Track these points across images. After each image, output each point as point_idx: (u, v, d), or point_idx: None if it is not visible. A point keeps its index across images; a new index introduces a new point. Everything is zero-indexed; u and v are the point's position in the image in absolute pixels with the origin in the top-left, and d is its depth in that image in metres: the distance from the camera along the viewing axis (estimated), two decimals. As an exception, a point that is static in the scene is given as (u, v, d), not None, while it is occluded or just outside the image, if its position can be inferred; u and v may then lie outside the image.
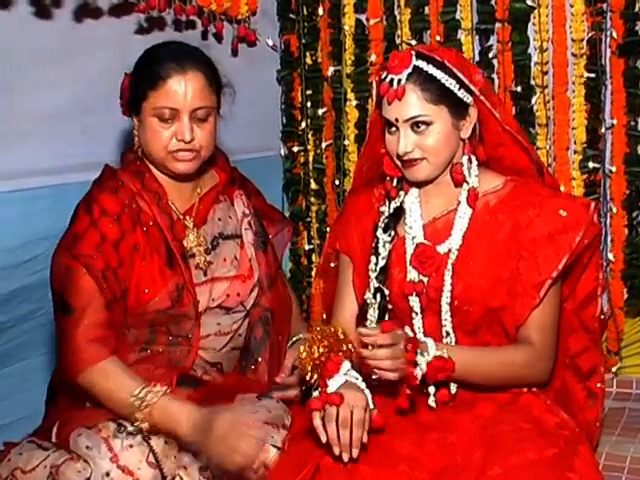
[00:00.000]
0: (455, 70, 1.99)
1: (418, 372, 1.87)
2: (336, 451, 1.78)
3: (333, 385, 1.83)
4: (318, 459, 1.83)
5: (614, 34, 2.70)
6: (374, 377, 1.88)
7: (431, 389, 2.00)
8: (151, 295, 2.07)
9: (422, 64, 1.98)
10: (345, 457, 1.78)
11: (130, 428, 1.91)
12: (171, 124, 2.04)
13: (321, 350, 1.86)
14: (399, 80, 1.98)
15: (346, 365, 1.86)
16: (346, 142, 3.11)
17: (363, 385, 1.85)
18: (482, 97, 2.02)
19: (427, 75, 1.97)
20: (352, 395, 1.81)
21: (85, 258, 1.99)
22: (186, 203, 2.20)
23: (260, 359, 2.23)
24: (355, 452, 1.78)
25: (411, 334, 1.93)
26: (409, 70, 1.97)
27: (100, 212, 2.04)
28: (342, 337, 1.90)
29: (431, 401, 2.01)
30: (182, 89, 2.03)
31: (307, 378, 1.88)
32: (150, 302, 2.06)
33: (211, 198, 2.23)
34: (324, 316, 2.44)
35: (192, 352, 2.13)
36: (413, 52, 2.01)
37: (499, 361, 2.01)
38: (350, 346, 1.89)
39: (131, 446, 1.88)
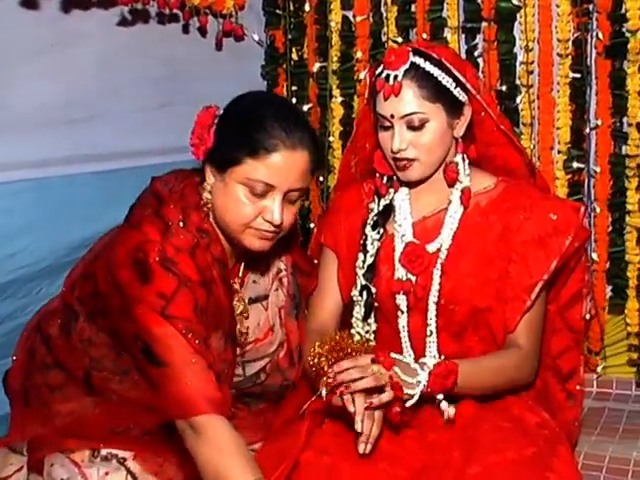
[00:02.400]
0: (452, 68, 1.97)
1: (419, 387, 1.83)
2: (359, 427, 1.75)
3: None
4: (296, 455, 1.82)
5: (600, 35, 2.70)
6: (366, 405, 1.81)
7: (444, 404, 1.88)
8: None
9: (419, 61, 1.96)
10: (362, 448, 1.77)
11: (104, 452, 1.83)
12: (260, 199, 1.81)
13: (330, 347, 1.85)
14: (395, 76, 1.95)
15: None
16: (331, 138, 3.11)
17: None
18: (478, 96, 2.02)
19: (424, 72, 1.96)
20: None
21: (183, 322, 1.73)
22: (231, 262, 1.98)
23: (253, 406, 2.06)
24: (369, 447, 1.78)
25: (399, 357, 1.88)
26: (406, 66, 1.95)
27: (185, 277, 1.77)
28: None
29: (447, 416, 1.88)
30: (287, 167, 1.79)
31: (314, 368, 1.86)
32: None
33: (252, 257, 2.02)
34: (306, 312, 2.42)
35: None
36: (410, 48, 1.99)
37: (491, 368, 1.99)
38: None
39: (107, 473, 1.82)
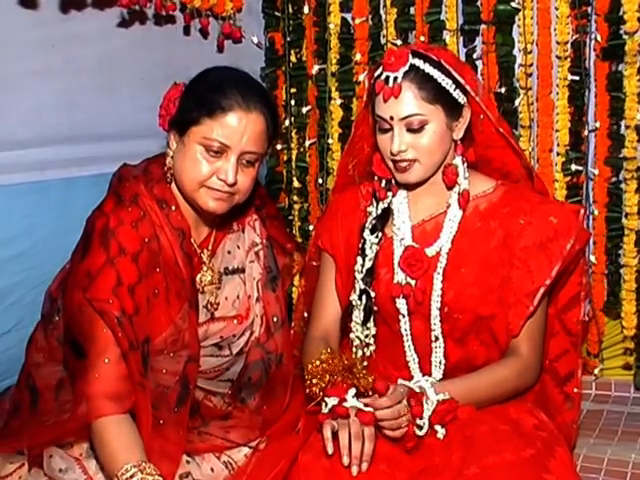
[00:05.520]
0: (451, 70, 1.97)
1: (423, 422, 1.85)
2: (345, 461, 1.76)
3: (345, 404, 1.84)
4: (294, 455, 1.83)
5: (598, 37, 2.70)
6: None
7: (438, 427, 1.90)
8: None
9: (419, 62, 1.96)
10: (355, 470, 1.76)
11: None
12: (216, 159, 1.88)
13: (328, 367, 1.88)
14: (395, 78, 1.95)
15: (351, 392, 1.85)
16: (330, 141, 3.11)
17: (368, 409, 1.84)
18: (477, 98, 2.01)
19: (424, 74, 1.96)
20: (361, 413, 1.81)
21: (100, 303, 1.79)
22: (203, 233, 2.06)
23: (250, 401, 2.08)
24: (365, 466, 1.77)
25: (406, 383, 1.89)
26: (406, 68, 1.95)
27: (118, 250, 1.84)
28: (356, 371, 1.89)
29: (440, 435, 1.89)
30: (241, 128, 1.87)
31: (312, 387, 1.89)
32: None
33: (226, 227, 2.10)
34: (305, 314, 2.42)
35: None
36: (409, 50, 1.99)
37: (493, 382, 1.99)
38: (362, 382, 1.87)
39: None
